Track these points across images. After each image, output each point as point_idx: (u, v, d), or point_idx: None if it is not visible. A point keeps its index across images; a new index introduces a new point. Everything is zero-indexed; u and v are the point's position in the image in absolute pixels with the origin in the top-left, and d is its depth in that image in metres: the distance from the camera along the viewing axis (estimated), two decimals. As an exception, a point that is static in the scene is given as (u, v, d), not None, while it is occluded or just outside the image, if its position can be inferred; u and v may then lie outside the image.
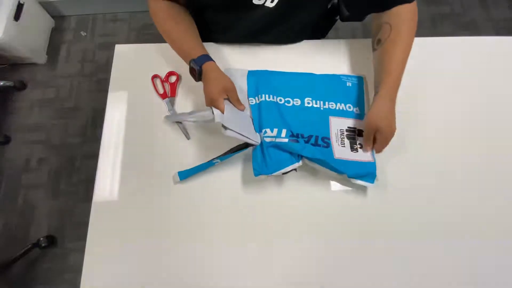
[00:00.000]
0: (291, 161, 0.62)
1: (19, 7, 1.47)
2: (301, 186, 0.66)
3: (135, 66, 0.77)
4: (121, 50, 0.79)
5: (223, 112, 0.61)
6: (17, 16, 1.45)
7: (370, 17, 0.71)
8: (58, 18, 1.74)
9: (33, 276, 1.33)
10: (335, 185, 0.67)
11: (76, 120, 1.55)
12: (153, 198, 0.66)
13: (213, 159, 0.65)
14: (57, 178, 1.47)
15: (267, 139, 0.64)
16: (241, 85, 0.71)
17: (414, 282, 0.61)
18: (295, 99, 0.70)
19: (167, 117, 0.71)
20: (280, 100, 0.70)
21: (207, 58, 0.65)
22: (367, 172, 0.63)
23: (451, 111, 0.73)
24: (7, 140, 1.52)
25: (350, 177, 0.62)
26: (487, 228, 0.64)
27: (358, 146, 0.66)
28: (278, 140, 0.64)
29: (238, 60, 0.77)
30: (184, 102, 0.74)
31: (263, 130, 0.66)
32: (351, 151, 0.65)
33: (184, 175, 0.66)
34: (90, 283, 0.61)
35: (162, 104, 0.73)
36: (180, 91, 0.75)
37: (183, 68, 0.70)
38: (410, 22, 0.64)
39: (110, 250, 0.63)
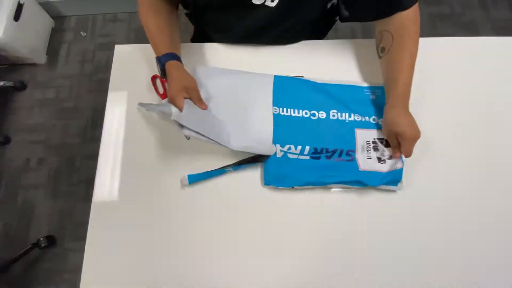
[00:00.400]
0: (304, 182, 0.64)
1: (19, 7, 1.47)
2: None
3: (135, 66, 0.77)
4: (121, 50, 0.79)
5: (181, 110, 0.60)
6: (17, 17, 1.45)
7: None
8: (58, 18, 1.74)
9: (33, 276, 1.33)
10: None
11: (76, 120, 1.55)
12: (153, 198, 0.66)
13: (225, 166, 0.65)
14: (57, 178, 1.47)
15: (290, 155, 0.65)
16: (224, 84, 0.71)
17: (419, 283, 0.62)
18: (320, 112, 0.69)
19: (140, 104, 0.71)
20: (306, 113, 0.69)
21: (172, 57, 0.64)
22: (393, 179, 0.64)
23: (450, 112, 0.72)
24: (7, 140, 1.52)
25: (375, 186, 0.63)
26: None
27: (387, 157, 0.65)
28: (301, 157, 0.65)
29: (238, 61, 0.77)
30: (184, 102, 0.74)
31: (287, 146, 0.66)
32: (379, 162, 0.65)
33: (193, 179, 0.65)
34: (90, 283, 0.61)
35: (162, 104, 0.73)
36: (180, 91, 0.75)
37: (183, 68, 0.70)
38: (412, 28, 0.63)
39: (110, 250, 0.63)
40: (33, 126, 1.55)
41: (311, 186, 0.65)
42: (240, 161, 0.66)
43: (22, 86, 1.60)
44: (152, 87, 0.74)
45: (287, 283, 0.61)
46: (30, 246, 1.30)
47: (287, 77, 0.72)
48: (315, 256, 0.63)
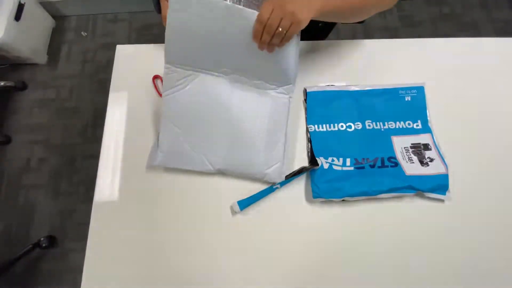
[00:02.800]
0: (356, 192, 0.63)
1: (20, 7, 1.47)
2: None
3: (136, 66, 0.77)
4: (122, 50, 0.79)
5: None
6: (17, 16, 1.45)
7: (370, 19, 0.71)
8: (59, 18, 1.74)
9: (33, 276, 1.33)
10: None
11: (76, 121, 1.55)
12: (154, 198, 0.67)
13: (274, 184, 0.64)
14: (57, 178, 1.47)
15: (335, 167, 0.65)
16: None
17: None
18: (356, 123, 0.69)
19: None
20: (342, 126, 0.69)
21: None
22: (440, 185, 0.64)
23: (450, 113, 0.73)
24: (7, 140, 1.52)
25: (424, 191, 0.63)
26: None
27: (428, 160, 0.66)
28: (344, 168, 0.65)
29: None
30: (185, 103, 0.74)
31: (330, 158, 0.66)
32: (422, 165, 0.65)
33: (244, 205, 0.63)
34: (91, 283, 0.61)
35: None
36: (181, 92, 0.75)
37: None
38: None
39: (110, 250, 0.64)
40: (33, 126, 1.55)
41: (362, 198, 0.64)
42: (286, 176, 0.65)
43: (22, 86, 1.60)
44: (153, 88, 0.74)
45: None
46: (30, 246, 1.30)
47: (318, 92, 0.72)
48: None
